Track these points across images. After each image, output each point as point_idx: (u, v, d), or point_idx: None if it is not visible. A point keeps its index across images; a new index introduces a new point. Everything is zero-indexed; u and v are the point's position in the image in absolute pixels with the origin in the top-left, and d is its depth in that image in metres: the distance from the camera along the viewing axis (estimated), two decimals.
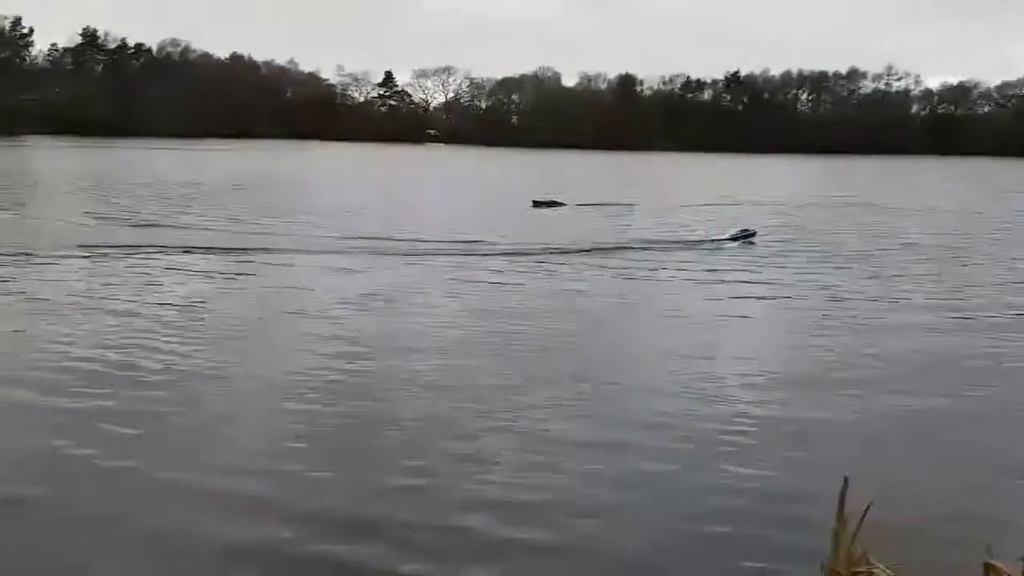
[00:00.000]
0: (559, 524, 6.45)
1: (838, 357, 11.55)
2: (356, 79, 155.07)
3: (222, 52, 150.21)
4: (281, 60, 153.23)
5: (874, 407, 9.34)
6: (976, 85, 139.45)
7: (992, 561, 4.60)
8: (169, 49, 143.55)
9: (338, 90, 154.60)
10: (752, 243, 23.69)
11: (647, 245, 23.04)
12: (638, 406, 9.27)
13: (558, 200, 35.54)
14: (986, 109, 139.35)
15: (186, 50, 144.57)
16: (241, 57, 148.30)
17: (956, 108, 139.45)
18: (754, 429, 8.51)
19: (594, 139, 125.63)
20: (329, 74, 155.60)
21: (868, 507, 5.01)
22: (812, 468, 7.38)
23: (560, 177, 57.95)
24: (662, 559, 6.05)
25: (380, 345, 11.60)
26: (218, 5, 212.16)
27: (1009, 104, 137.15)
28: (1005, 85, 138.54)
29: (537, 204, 34.76)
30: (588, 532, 6.37)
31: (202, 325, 12.51)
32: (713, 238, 24.28)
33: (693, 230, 27.46)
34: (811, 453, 7.90)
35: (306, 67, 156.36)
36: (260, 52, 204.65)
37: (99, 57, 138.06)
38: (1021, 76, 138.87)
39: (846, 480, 5.02)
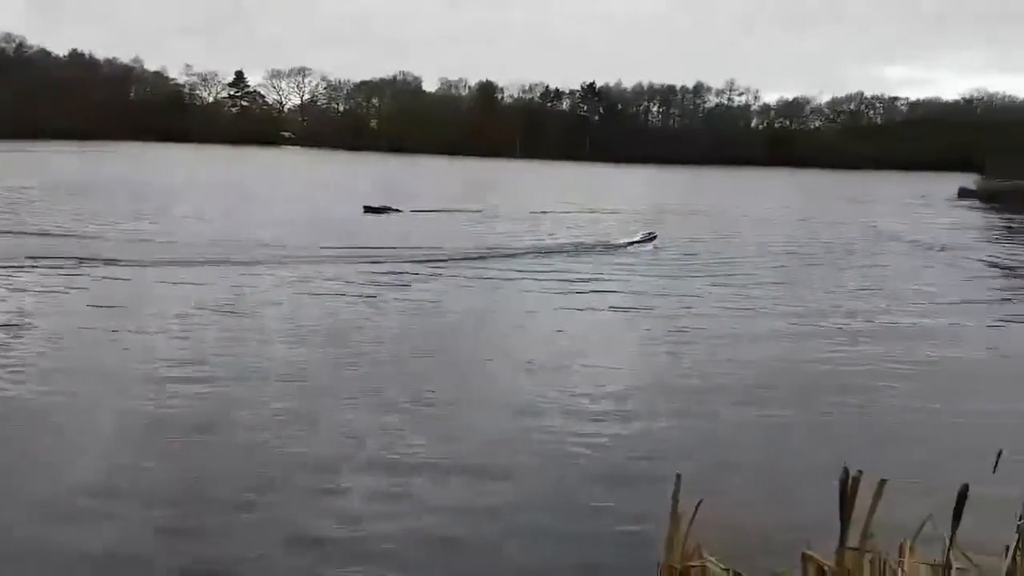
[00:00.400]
0: (402, 556, 6.30)
1: (691, 365, 11.96)
2: (205, 79, 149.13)
3: (60, 50, 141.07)
4: (125, 59, 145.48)
5: (720, 413, 9.70)
6: (809, 101, 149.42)
7: (809, 552, 4.83)
8: (2, 45, 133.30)
9: (186, 90, 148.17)
10: (656, 245, 26.13)
11: (514, 253, 23.23)
12: (490, 424, 9.20)
13: (391, 206, 34.60)
14: (817, 124, 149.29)
15: (21, 46, 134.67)
16: (82, 55, 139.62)
17: (791, 123, 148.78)
18: (604, 441, 8.64)
19: (455, 145, 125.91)
20: (176, 73, 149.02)
21: (699, 503, 5.16)
22: (656, 476, 7.50)
23: (411, 182, 57.57)
24: None
25: (218, 364, 11.06)
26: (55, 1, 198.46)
27: (838, 119, 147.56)
28: (835, 101, 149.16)
29: (369, 210, 33.68)
30: (432, 562, 6.26)
31: (22, 345, 11.57)
32: (626, 241, 26.44)
33: (556, 237, 28.04)
34: (656, 462, 8.07)
35: (151, 66, 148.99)
36: (102, 50, 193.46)
37: None
38: (849, 93, 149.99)
39: (678, 477, 5.14)
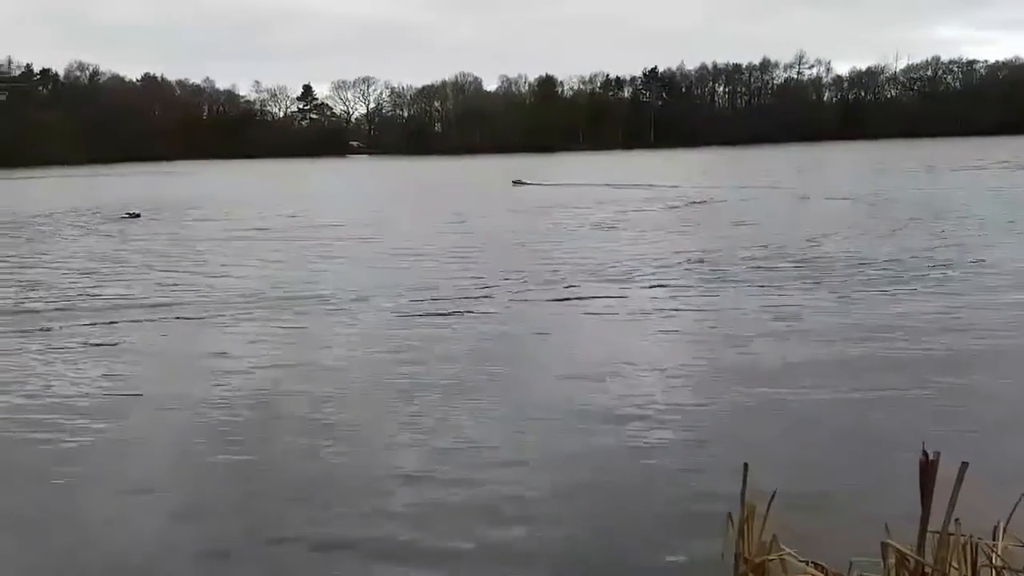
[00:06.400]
0: None
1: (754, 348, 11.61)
2: (274, 94, 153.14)
3: (134, 74, 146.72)
4: (196, 79, 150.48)
5: (766, 401, 9.31)
6: (883, 69, 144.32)
7: (888, 540, 4.60)
8: (76, 73, 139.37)
9: (257, 106, 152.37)
10: None
11: None
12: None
13: None
14: (893, 93, 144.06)
15: (95, 73, 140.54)
16: (154, 78, 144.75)
17: (865, 93, 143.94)
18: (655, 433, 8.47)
19: (519, 142, 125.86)
20: (246, 90, 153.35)
21: (774, 494, 4.97)
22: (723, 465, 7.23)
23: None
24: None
25: None
26: (128, 27, 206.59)
27: (914, 87, 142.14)
28: (910, 68, 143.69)
29: None
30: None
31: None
32: None
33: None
34: (709, 450, 7.86)
35: (222, 84, 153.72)
36: (174, 71, 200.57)
37: (1, 86, 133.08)
38: (925, 59, 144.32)
39: (746, 467, 4.96)
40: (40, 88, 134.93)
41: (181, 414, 9.30)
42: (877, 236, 22.69)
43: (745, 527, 5.08)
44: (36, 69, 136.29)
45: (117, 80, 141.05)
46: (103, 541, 6.47)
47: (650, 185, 47.56)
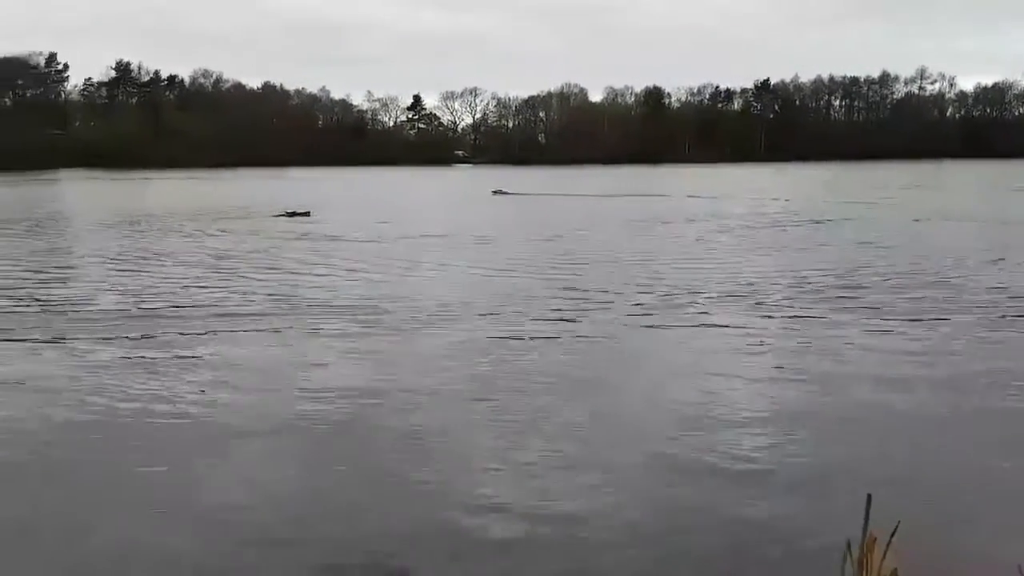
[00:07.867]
0: None
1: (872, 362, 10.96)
2: (385, 104, 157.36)
3: (255, 82, 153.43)
4: (312, 88, 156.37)
5: (889, 435, 8.72)
6: (1011, 86, 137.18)
7: None
8: (201, 80, 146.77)
9: (368, 116, 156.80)
10: None
11: None
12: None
13: None
14: (1021, 111, 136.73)
15: (218, 80, 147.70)
16: (273, 87, 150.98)
17: (991, 111, 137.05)
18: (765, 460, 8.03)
19: (623, 153, 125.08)
20: (359, 100, 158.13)
21: (898, 524, 4.62)
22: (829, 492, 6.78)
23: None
24: None
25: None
26: (251, 35, 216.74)
27: None
28: None
29: None
30: None
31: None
32: None
33: None
34: (826, 482, 7.36)
35: (337, 94, 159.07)
36: (292, 81, 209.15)
37: (132, 90, 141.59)
38: None
39: (869, 497, 4.67)
40: (167, 93, 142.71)
41: (268, 430, 9.03)
42: (1012, 264, 21.19)
43: (865, 560, 4.75)
44: (163, 75, 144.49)
45: (239, 87, 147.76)
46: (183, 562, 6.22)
47: (741, 199, 46.39)
